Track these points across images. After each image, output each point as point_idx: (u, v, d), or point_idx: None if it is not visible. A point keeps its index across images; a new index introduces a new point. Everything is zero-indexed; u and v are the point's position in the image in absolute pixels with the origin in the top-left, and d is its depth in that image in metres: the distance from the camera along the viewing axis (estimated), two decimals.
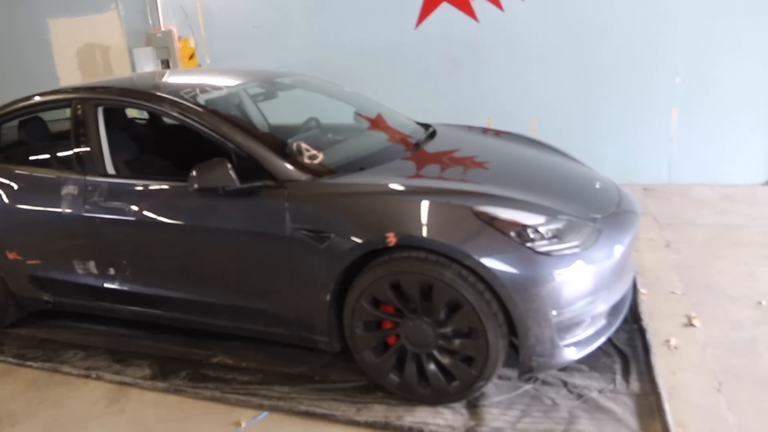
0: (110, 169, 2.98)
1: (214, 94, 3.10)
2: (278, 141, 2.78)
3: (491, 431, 2.26)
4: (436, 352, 2.36)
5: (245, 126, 2.93)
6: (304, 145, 2.70)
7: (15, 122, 3.49)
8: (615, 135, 5.12)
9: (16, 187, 3.19)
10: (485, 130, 3.70)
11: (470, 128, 3.68)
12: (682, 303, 3.10)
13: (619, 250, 2.42)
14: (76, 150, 3.05)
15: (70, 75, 7.14)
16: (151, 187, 2.85)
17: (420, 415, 2.38)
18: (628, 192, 2.92)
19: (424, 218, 2.30)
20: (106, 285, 3.01)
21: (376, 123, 3.41)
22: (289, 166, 2.57)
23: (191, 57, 6.38)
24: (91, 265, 3.02)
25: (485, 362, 2.28)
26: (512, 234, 2.24)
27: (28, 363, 3.08)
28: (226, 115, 2.91)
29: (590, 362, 2.57)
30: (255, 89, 3.60)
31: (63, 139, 3.25)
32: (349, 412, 2.42)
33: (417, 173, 2.73)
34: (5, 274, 3.30)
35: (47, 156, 3.52)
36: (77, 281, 3.09)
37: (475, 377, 2.32)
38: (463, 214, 2.30)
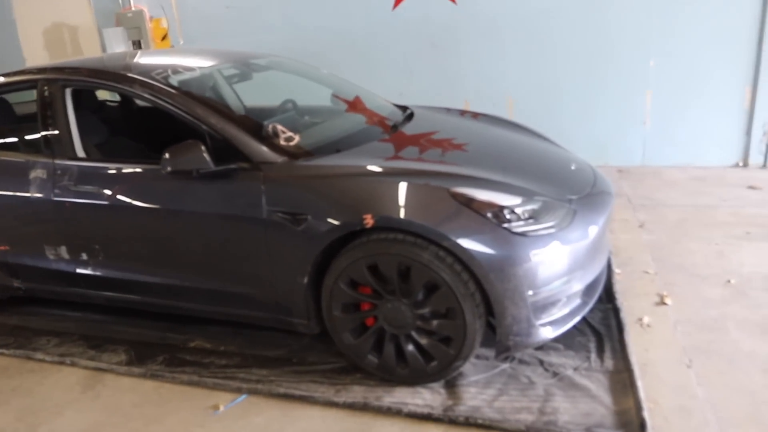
0: (80, 153, 2.91)
1: (187, 75, 3.03)
2: (254, 123, 2.74)
3: (469, 410, 2.29)
4: (414, 333, 2.37)
5: (220, 108, 2.88)
6: (280, 127, 2.66)
7: None
8: (590, 117, 5.17)
9: None
10: (463, 113, 3.70)
11: (448, 110, 3.67)
12: (655, 282, 3.17)
13: (593, 230, 2.45)
14: (43, 133, 2.97)
15: (36, 56, 6.92)
16: (123, 170, 2.79)
17: (399, 395, 2.40)
18: (603, 173, 2.96)
19: (401, 200, 2.29)
20: (78, 270, 2.96)
21: (354, 105, 3.38)
22: (264, 149, 2.54)
23: (164, 38, 6.23)
24: (63, 251, 2.95)
25: (463, 342, 2.30)
26: (489, 215, 2.25)
27: (0, 350, 3.02)
28: (199, 96, 2.85)
29: (566, 341, 2.61)
30: (229, 70, 3.53)
31: (30, 122, 3.16)
32: (328, 394, 2.43)
33: (394, 155, 2.72)
34: None
35: (14, 139, 3.41)
36: (49, 267, 3.02)
37: (453, 357, 2.34)
38: (440, 195, 2.30)
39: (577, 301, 2.45)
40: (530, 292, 2.25)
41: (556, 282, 2.31)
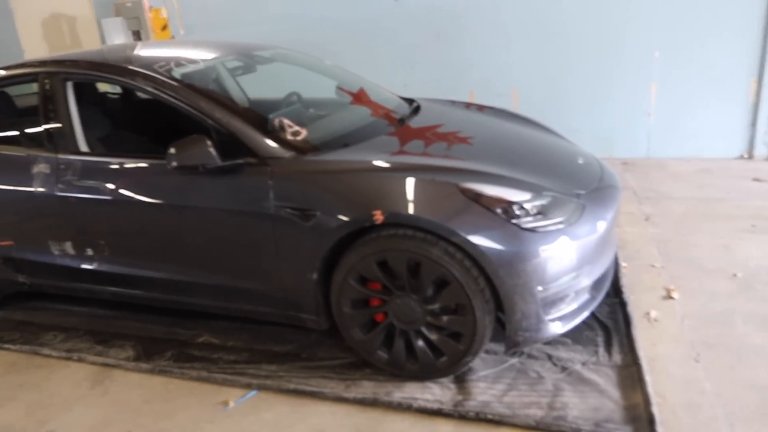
0: (83, 147, 2.88)
1: (191, 68, 3.00)
2: (259, 117, 2.72)
3: (478, 405, 2.30)
4: (424, 329, 2.37)
5: (224, 101, 2.85)
6: (286, 121, 2.64)
7: None
8: (595, 109, 5.14)
9: None
10: (468, 105, 3.67)
11: (453, 103, 3.65)
12: (661, 276, 3.17)
13: (602, 225, 2.44)
14: (45, 127, 2.94)
15: (35, 47, 6.86)
16: (127, 165, 2.77)
17: (409, 390, 2.40)
18: (610, 167, 2.94)
19: (410, 195, 2.28)
20: (83, 266, 2.94)
21: (359, 97, 3.35)
22: (272, 143, 2.52)
23: (164, 28, 6.17)
24: (68, 246, 2.94)
25: (472, 338, 2.30)
26: (498, 211, 2.25)
27: (6, 346, 3.02)
28: (203, 89, 2.82)
29: (574, 335, 2.61)
30: (233, 63, 3.50)
31: (31, 116, 3.13)
32: (338, 389, 2.43)
33: (402, 149, 2.70)
34: None
35: (15, 133, 3.38)
36: (54, 262, 3.01)
37: (462, 352, 2.34)
38: (449, 191, 2.29)
39: (586, 296, 2.45)
40: (539, 288, 2.24)
41: (565, 277, 2.31)
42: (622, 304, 2.85)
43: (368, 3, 5.46)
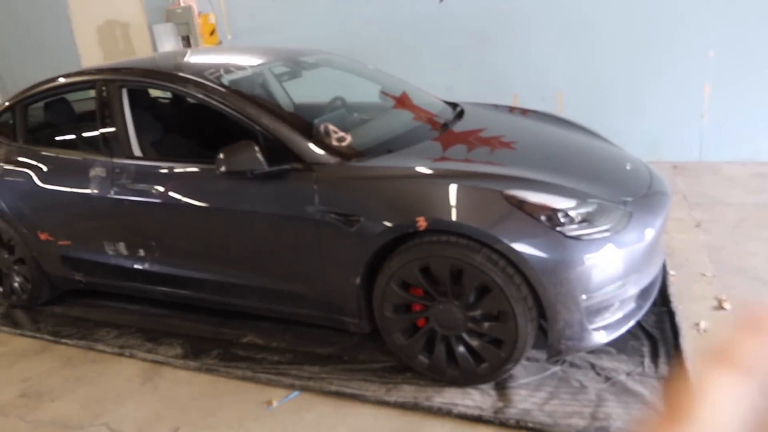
0: (136, 151, 3.00)
1: (239, 74, 3.08)
2: (305, 122, 2.77)
3: (519, 412, 2.28)
4: (465, 335, 2.37)
5: (271, 107, 2.93)
6: (331, 127, 2.68)
7: (41, 104, 3.52)
8: (644, 111, 5.00)
9: (45, 169, 3.24)
10: (511, 109, 3.64)
11: (496, 107, 3.62)
12: (713, 285, 3.06)
13: (650, 233, 2.39)
14: (102, 131, 3.08)
15: (90, 52, 7.15)
16: (178, 170, 2.87)
17: (449, 395, 2.41)
18: (659, 171, 2.87)
19: (454, 202, 2.29)
20: (135, 266, 3.06)
21: (402, 102, 3.37)
22: (317, 150, 2.56)
23: (212, 33, 6.34)
24: (121, 246, 3.07)
25: (514, 345, 2.28)
26: (542, 218, 2.22)
27: (64, 340, 3.17)
28: (251, 96, 2.90)
29: (618, 345, 2.56)
30: (279, 68, 3.58)
31: (88, 121, 3.28)
32: (379, 393, 2.46)
33: (446, 155, 2.70)
34: (38, 254, 3.37)
35: (74, 137, 3.55)
36: (108, 262, 3.14)
37: (503, 359, 2.33)
38: (493, 197, 2.28)
39: (632, 305, 2.40)
40: (583, 296, 2.21)
41: (611, 286, 2.27)
42: (670, 314, 2.78)
43: (412, 5, 5.47)
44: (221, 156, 2.53)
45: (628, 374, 2.44)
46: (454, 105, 3.43)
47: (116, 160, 3.01)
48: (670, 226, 3.65)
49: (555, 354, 2.32)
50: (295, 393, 2.55)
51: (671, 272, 3.17)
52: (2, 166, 3.38)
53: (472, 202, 2.29)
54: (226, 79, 2.90)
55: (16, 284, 3.54)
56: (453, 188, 2.32)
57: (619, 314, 2.35)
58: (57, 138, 3.53)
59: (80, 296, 3.57)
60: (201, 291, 2.97)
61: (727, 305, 2.86)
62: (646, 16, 4.79)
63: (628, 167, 2.80)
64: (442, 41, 5.47)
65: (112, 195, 2.98)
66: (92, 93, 3.18)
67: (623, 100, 5.03)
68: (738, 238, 3.55)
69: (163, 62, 3.35)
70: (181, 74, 2.92)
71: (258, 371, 2.69)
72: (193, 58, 3.46)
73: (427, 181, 2.41)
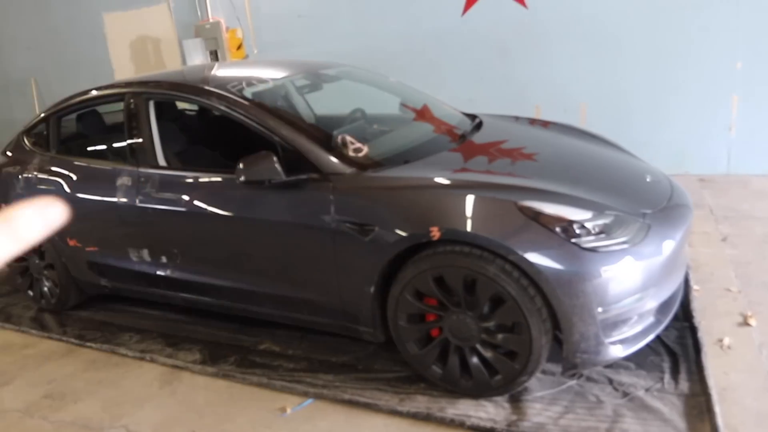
0: (161, 161, 3.08)
1: (261, 87, 3.15)
2: (323, 133, 2.81)
3: (533, 426, 2.25)
4: (479, 346, 2.36)
5: (291, 119, 2.98)
6: (349, 138, 2.72)
7: (74, 115, 3.66)
8: (670, 123, 4.92)
9: (75, 177, 3.35)
10: (533, 121, 3.63)
11: (517, 119, 3.62)
12: (738, 301, 2.99)
13: (669, 246, 2.35)
14: (129, 142, 3.17)
15: (123, 67, 7.39)
16: (200, 179, 2.95)
17: (462, 407, 2.39)
18: (681, 185, 2.82)
19: (468, 212, 2.29)
20: (158, 272, 3.14)
21: (422, 114, 3.40)
22: (334, 160, 2.60)
23: (239, 47, 6.49)
24: (145, 253, 3.15)
25: (528, 357, 2.26)
26: (557, 230, 2.21)
27: (88, 344, 3.26)
28: (271, 108, 2.95)
29: (637, 360, 2.51)
30: (301, 81, 3.64)
31: (117, 132, 3.39)
32: (392, 402, 2.46)
33: (462, 166, 2.71)
34: (66, 259, 3.48)
35: (103, 148, 3.67)
36: (132, 268, 3.23)
37: (518, 372, 2.31)
38: (507, 208, 2.27)
39: (651, 319, 2.36)
40: (600, 309, 2.18)
41: (628, 299, 2.23)
42: (693, 329, 2.72)
43: (434, 18, 5.52)
44: (240, 166, 2.59)
45: (647, 390, 2.39)
46: (472, 116, 3.44)
47: (142, 170, 3.10)
48: (695, 240, 3.59)
49: (570, 367, 2.30)
50: (309, 401, 2.56)
51: (695, 287, 3.10)
52: (36, 175, 3.51)
53: (486, 213, 2.29)
54: (248, 92, 2.97)
55: (45, 288, 3.66)
56: (467, 199, 2.32)
57: (638, 328, 2.32)
58: (87, 148, 3.66)
59: (105, 301, 3.67)
60: (220, 297, 3.03)
61: (752, 321, 2.79)
62: (670, 27, 4.73)
63: (648, 179, 2.76)
64: (464, 54, 5.50)
65: (138, 203, 3.06)
66: (121, 105, 3.29)
67: (648, 112, 4.97)
68: (766, 252, 3.46)
69: (189, 75, 3.45)
70: (205, 87, 3.00)
71: (273, 378, 2.71)
72: (218, 71, 3.55)
73: (441, 191, 2.42)
